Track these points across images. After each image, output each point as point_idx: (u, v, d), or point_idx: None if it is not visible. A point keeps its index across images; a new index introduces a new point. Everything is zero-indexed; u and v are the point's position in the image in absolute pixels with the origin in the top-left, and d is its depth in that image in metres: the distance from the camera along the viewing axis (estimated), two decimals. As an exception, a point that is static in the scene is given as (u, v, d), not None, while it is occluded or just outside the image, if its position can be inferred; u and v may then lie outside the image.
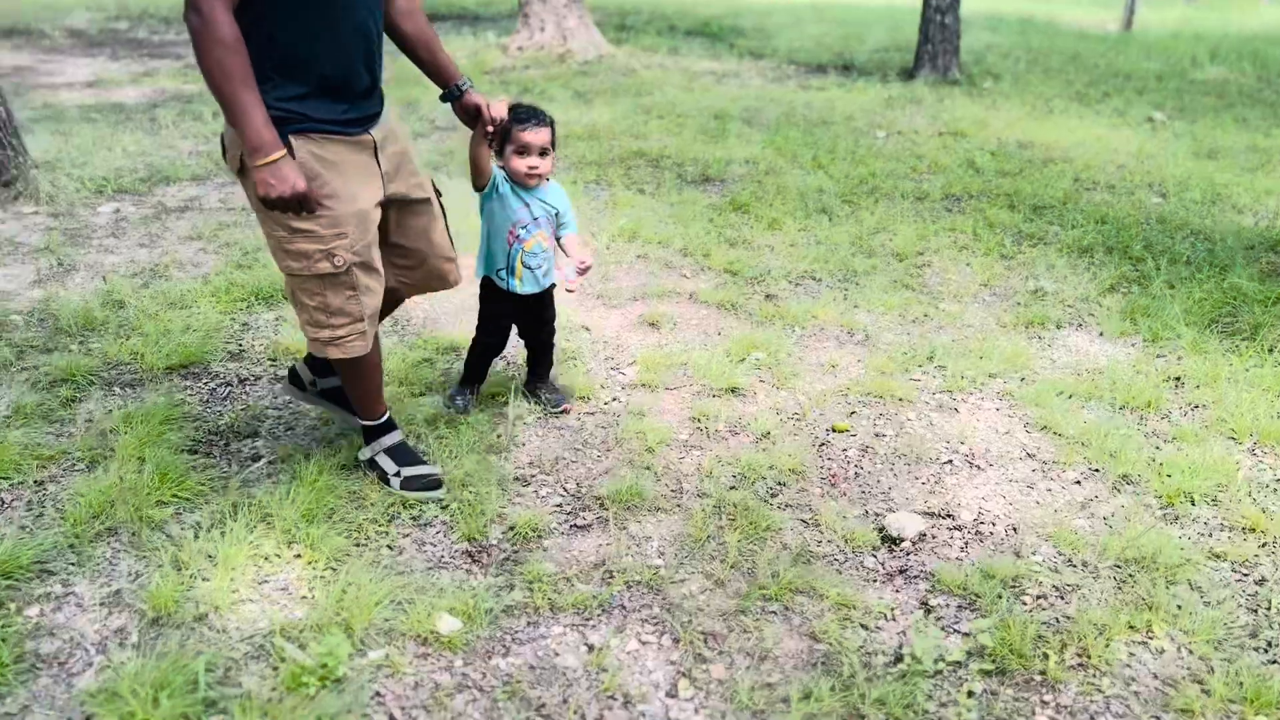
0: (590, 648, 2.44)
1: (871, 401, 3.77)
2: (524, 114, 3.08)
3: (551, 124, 3.14)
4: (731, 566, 2.76)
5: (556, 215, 3.28)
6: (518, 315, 3.44)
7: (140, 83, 10.20)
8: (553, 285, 3.42)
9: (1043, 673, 2.40)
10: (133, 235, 5.29)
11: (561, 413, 3.50)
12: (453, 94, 2.96)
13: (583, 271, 3.22)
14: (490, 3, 19.70)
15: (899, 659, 2.43)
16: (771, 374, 3.94)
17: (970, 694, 2.33)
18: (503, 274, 3.29)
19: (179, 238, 5.29)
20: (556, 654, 2.42)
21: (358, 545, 2.76)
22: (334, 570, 2.63)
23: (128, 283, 4.50)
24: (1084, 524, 3.02)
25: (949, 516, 3.07)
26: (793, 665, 2.41)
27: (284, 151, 2.45)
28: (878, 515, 3.05)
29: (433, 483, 3.03)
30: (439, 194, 3.03)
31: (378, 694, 2.26)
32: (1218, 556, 2.86)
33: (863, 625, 2.55)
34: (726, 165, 7.07)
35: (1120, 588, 2.72)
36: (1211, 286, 4.83)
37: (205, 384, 3.68)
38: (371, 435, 3.07)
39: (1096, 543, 2.90)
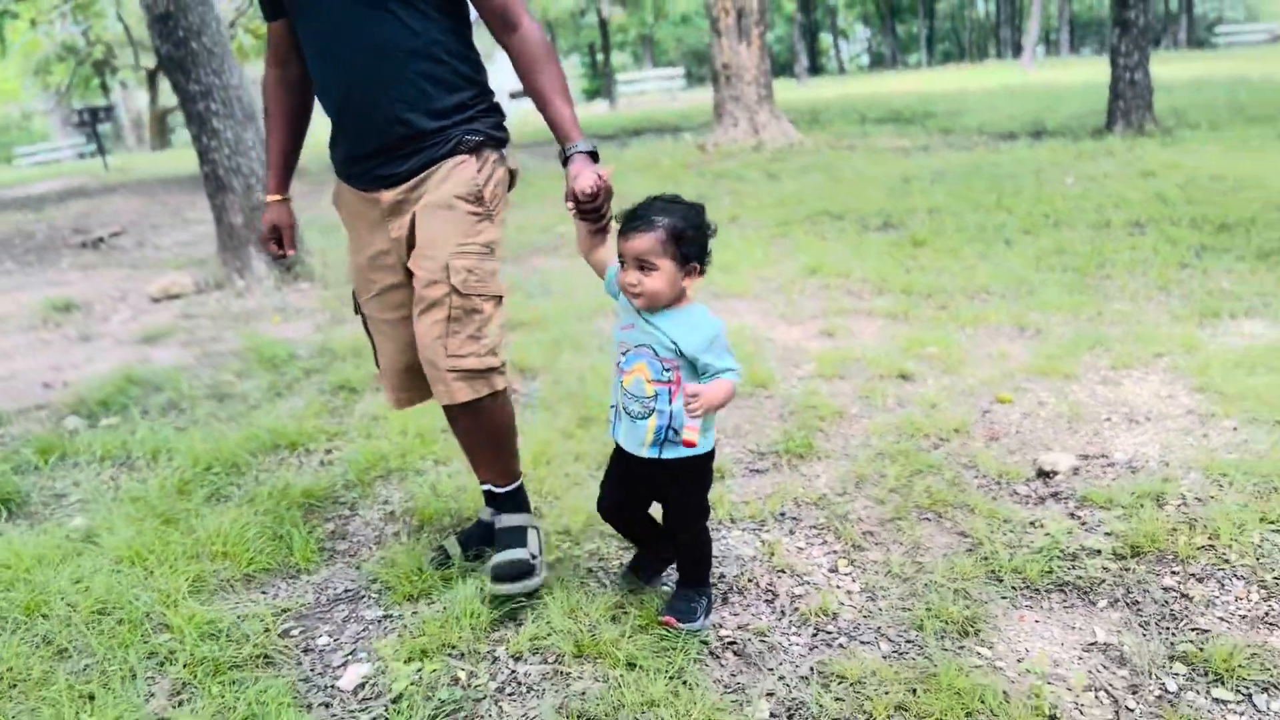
0: (764, 543, 2.89)
1: (1037, 379, 4.05)
2: (628, 213, 2.20)
3: (668, 226, 2.14)
4: (891, 490, 3.14)
5: (678, 353, 2.19)
6: (629, 477, 2.41)
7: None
8: (680, 461, 2.28)
9: (1174, 552, 2.65)
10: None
11: (662, 622, 2.43)
12: (561, 158, 2.32)
13: (691, 405, 2.11)
14: (688, 116, 20.99)
15: (1039, 549, 2.74)
16: (941, 363, 4.29)
17: (1104, 569, 2.62)
18: (612, 414, 2.38)
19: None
20: (735, 547, 2.88)
21: (568, 477, 3.33)
22: (557, 499, 3.20)
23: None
24: (1234, 456, 3.20)
25: (1103, 457, 3.33)
26: (941, 552, 2.77)
27: (275, 197, 2.64)
28: (1034, 460, 3.34)
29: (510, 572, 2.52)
30: (457, 290, 2.37)
31: (589, 569, 2.79)
32: (1370, 474, 3.00)
33: (1010, 530, 2.87)
34: (909, 214, 7.48)
35: (1260, 496, 2.91)
36: (1401, 272, 4.81)
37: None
38: None
39: (1244, 467, 3.09)
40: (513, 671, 2.34)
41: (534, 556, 2.56)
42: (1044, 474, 3.24)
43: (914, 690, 2.16)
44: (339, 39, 2.30)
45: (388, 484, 3.41)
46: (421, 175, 2.38)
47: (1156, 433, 3.47)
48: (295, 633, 2.57)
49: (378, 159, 2.38)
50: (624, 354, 2.28)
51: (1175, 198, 7.25)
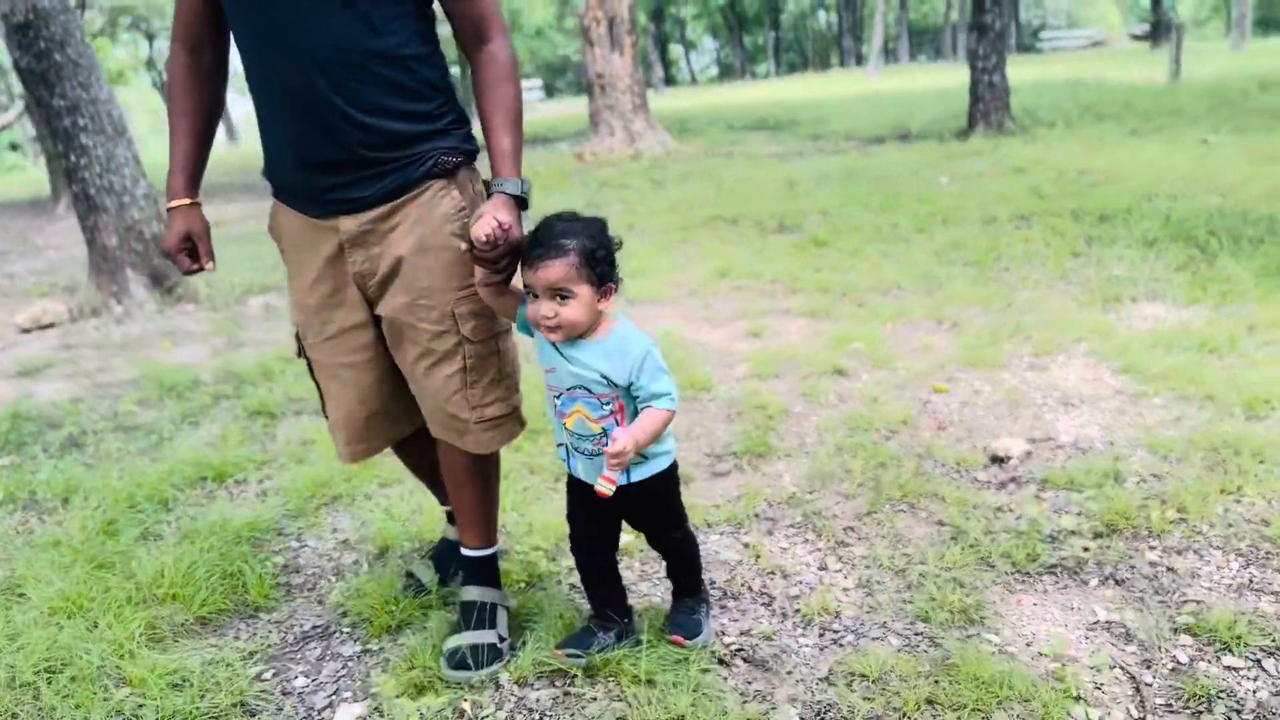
0: (746, 545, 2.84)
1: (967, 369, 4.14)
2: (531, 239, 2.01)
3: (579, 249, 1.97)
4: (859, 485, 3.14)
5: (610, 384, 2.04)
6: (597, 508, 2.19)
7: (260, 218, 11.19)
8: (649, 480, 2.15)
9: (1148, 528, 2.73)
10: (288, 318, 5.97)
11: (671, 641, 2.31)
12: (488, 192, 2.11)
13: (613, 463, 1.96)
14: (556, 127, 20.91)
15: (1018, 532, 2.78)
16: (871, 358, 4.34)
17: (1085, 549, 2.67)
18: (561, 452, 2.21)
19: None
20: (717, 552, 2.82)
21: (527, 491, 3.20)
22: (521, 514, 3.07)
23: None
24: (1174, 433, 3.33)
25: (1050, 440, 3.41)
26: (925, 542, 2.77)
27: (184, 201, 2.24)
28: (985, 447, 3.39)
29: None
30: (469, 339, 2.17)
31: (572, 585, 2.68)
32: (1300, 442, 3.16)
33: (984, 517, 2.90)
34: (802, 216, 7.60)
35: (1211, 469, 3.03)
36: (1275, 253, 5.14)
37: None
38: None
39: (1188, 441, 3.22)
40: (520, 699, 2.21)
41: (502, 639, 2.36)
42: (998, 459, 3.30)
43: (937, 682, 2.14)
44: (291, 34, 1.98)
45: (334, 511, 3.21)
46: (394, 203, 2.09)
47: (1093, 414, 3.59)
48: (268, 676, 2.38)
49: (336, 178, 2.07)
50: (557, 398, 2.11)
51: (1050, 192, 7.59)
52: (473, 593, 2.43)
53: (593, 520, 2.27)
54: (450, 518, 2.64)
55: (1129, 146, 9.56)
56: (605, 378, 2.02)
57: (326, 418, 2.35)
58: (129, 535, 3.01)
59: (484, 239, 1.94)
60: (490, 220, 1.94)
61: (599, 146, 13.06)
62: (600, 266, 1.99)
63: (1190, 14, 56.31)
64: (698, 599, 2.41)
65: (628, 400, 2.07)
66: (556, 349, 2.06)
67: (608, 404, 2.05)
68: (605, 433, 2.05)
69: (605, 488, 1.97)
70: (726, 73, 71.72)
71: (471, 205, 2.17)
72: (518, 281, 2.09)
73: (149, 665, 2.31)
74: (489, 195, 2.07)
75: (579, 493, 2.23)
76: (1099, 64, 25.17)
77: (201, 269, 2.31)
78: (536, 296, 1.99)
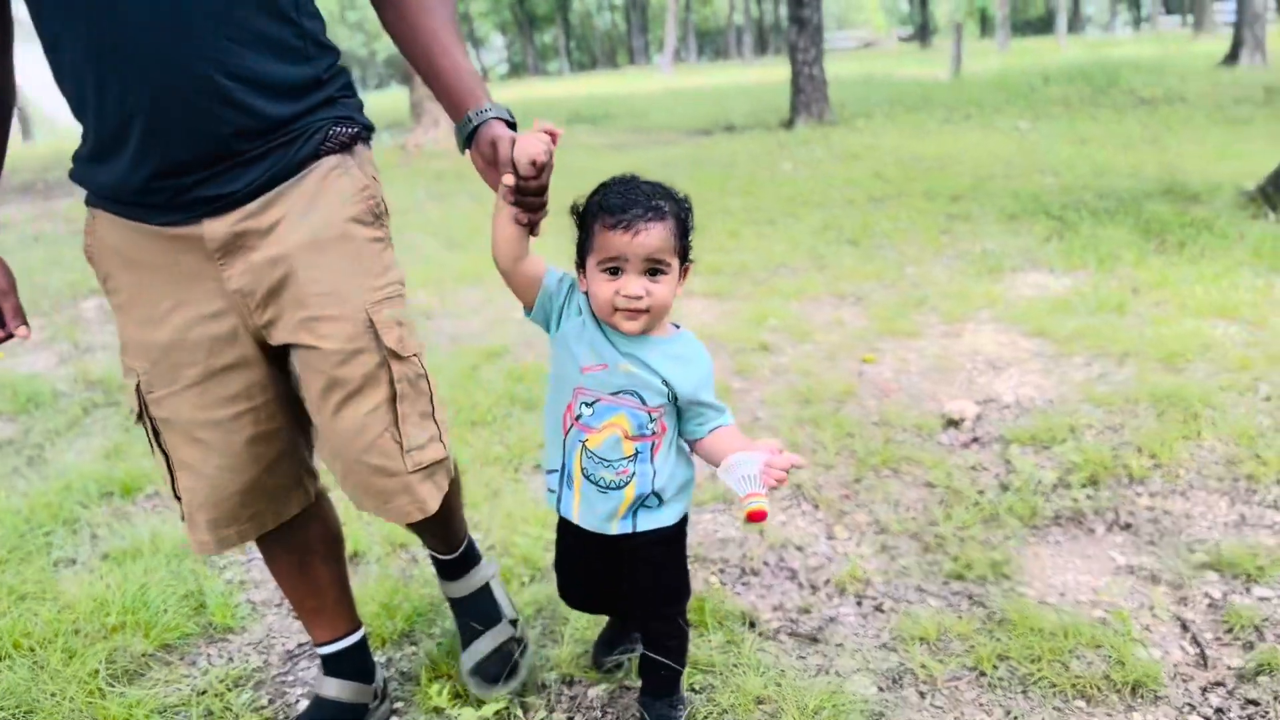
0: (745, 522, 2.74)
1: (886, 339, 4.20)
2: (616, 198, 1.59)
3: (676, 214, 1.61)
4: (836, 454, 3.10)
5: (670, 395, 1.66)
6: (591, 562, 1.87)
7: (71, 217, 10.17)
8: (655, 533, 1.74)
9: (1129, 476, 2.82)
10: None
11: None
12: (463, 131, 1.62)
13: (776, 479, 1.54)
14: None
15: (1006, 488, 2.81)
16: (789, 333, 4.34)
17: (1079, 499, 2.72)
18: (554, 481, 1.78)
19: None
20: (716, 530, 2.71)
21: (489, 485, 2.99)
22: (494, 506, 2.86)
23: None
24: (1108, 389, 3.47)
25: (994, 401, 3.48)
26: (922, 505, 2.76)
27: None
28: (935, 411, 3.43)
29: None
30: (395, 353, 1.65)
31: (579, 577, 2.50)
32: (1225, 389, 3.35)
33: (966, 476, 2.92)
34: (664, 202, 7.58)
35: (1161, 417, 3.17)
36: (1132, 224, 5.52)
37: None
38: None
39: (1127, 395, 3.36)
40: (574, 697, 2.03)
41: (514, 623, 2.09)
42: (953, 422, 3.34)
43: (999, 639, 2.12)
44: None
45: (278, 518, 2.88)
46: (275, 191, 1.57)
47: (1024, 375, 3.70)
48: (264, 703, 2.09)
49: (198, 173, 1.52)
50: (589, 406, 1.66)
51: (894, 176, 7.89)
52: (459, 586, 2.08)
53: (587, 573, 1.90)
54: (326, 663, 1.96)
55: (948, 134, 10.10)
56: (667, 385, 1.64)
57: (178, 499, 1.72)
58: (43, 560, 2.60)
59: (543, 157, 1.48)
60: (539, 139, 1.48)
61: (423, 138, 12.63)
62: (687, 240, 1.64)
63: (946, 17, 60.69)
64: (675, 699, 1.92)
65: (672, 420, 1.69)
66: (613, 343, 1.64)
67: (654, 420, 1.66)
68: (637, 455, 1.66)
69: (762, 505, 1.50)
70: (517, 70, 71.51)
71: (370, 191, 1.68)
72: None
73: (130, 702, 1.99)
74: (472, 134, 1.58)
75: (570, 538, 1.83)
76: (879, 62, 26.67)
77: (11, 336, 1.62)
78: (616, 272, 1.57)
